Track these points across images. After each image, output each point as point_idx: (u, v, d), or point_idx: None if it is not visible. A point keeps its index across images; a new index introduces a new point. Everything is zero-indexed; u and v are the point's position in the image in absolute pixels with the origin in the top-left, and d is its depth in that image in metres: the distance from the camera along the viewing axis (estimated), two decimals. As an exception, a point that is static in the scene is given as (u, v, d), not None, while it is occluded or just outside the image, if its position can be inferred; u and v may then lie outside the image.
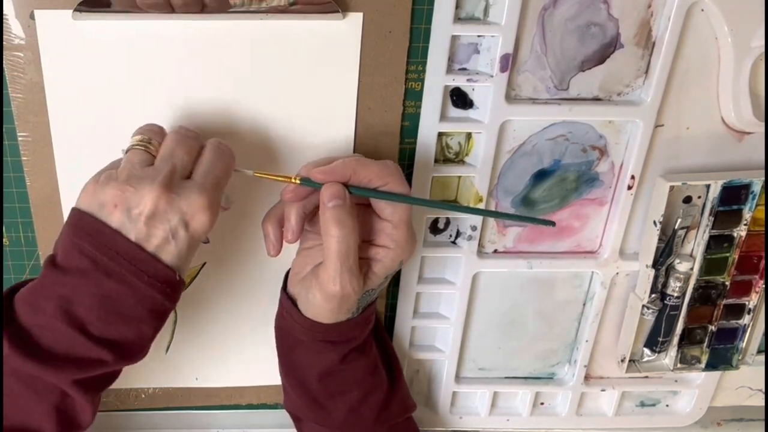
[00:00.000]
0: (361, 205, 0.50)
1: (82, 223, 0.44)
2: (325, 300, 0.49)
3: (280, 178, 0.49)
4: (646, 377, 0.66)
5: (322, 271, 0.48)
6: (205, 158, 0.47)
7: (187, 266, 0.47)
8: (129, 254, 0.44)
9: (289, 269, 0.55)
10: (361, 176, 0.48)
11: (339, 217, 0.47)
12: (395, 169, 0.49)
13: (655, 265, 0.58)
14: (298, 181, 0.48)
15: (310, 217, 0.51)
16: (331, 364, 0.53)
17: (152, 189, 0.43)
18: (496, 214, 0.57)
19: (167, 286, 0.45)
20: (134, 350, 0.47)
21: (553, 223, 0.51)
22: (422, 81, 0.53)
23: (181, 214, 0.44)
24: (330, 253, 0.47)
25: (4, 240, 0.56)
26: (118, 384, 0.62)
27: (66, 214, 0.55)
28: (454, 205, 0.56)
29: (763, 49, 0.52)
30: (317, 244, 0.52)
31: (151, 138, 0.47)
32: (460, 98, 0.54)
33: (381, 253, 0.50)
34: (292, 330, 0.53)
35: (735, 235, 0.58)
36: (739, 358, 0.63)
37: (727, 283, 0.60)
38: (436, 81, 0.52)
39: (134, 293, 0.44)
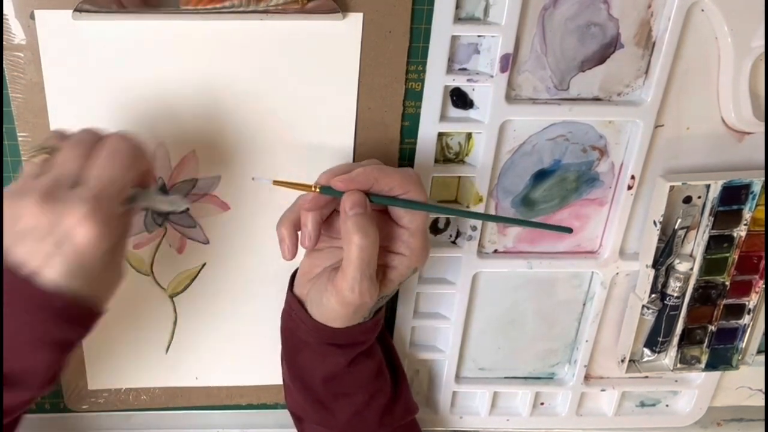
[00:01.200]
0: (377, 211, 0.49)
1: None
2: (341, 306, 0.48)
3: (299, 187, 0.48)
4: (646, 377, 0.66)
5: (340, 278, 0.47)
6: (94, 161, 0.42)
7: (88, 285, 0.41)
8: (6, 278, 0.40)
9: (296, 270, 0.54)
10: (383, 185, 0.47)
11: (361, 225, 0.46)
12: (416, 178, 0.48)
13: (655, 265, 0.58)
14: (317, 190, 0.48)
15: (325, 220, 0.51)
16: (337, 368, 0.53)
17: (29, 203, 0.39)
18: (519, 222, 0.56)
19: (49, 311, 0.40)
20: (23, 382, 0.42)
21: (570, 230, 0.51)
22: (422, 81, 0.53)
23: (62, 227, 0.39)
24: (350, 261, 0.46)
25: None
26: (118, 384, 0.63)
27: (66, 214, 0.55)
28: (477, 212, 0.55)
29: (763, 49, 0.52)
30: (327, 246, 0.52)
31: (51, 145, 0.43)
32: (460, 98, 0.54)
33: (396, 260, 0.50)
34: (299, 331, 0.53)
35: (735, 235, 0.58)
36: (739, 358, 0.63)
37: (727, 283, 0.60)
38: (436, 81, 0.52)
39: (14, 320, 0.40)
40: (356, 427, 0.56)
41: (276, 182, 0.48)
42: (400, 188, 0.48)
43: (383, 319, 0.56)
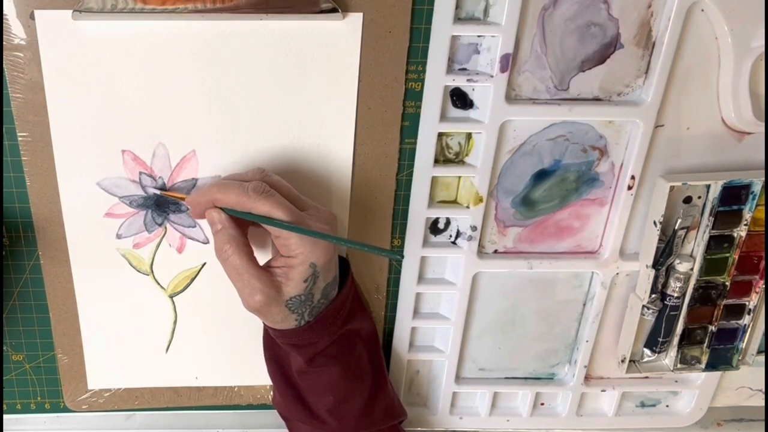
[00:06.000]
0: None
1: None
2: (251, 312, 0.51)
3: (177, 198, 0.54)
4: (647, 377, 0.66)
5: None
6: None
7: None
8: None
9: None
10: (222, 203, 0.49)
11: (218, 242, 0.50)
12: (254, 195, 0.48)
13: (656, 265, 0.58)
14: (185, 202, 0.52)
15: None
16: (300, 366, 0.55)
17: None
18: (349, 243, 0.53)
19: None
20: None
21: (401, 256, 0.51)
22: (422, 81, 0.53)
23: None
24: (227, 275, 0.50)
25: (4, 240, 0.56)
26: (118, 383, 0.63)
27: (66, 213, 0.55)
28: (300, 228, 0.49)
29: (763, 49, 0.52)
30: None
31: None
32: (460, 98, 0.54)
33: (288, 261, 0.50)
34: (267, 331, 0.56)
35: (735, 235, 0.58)
36: (739, 358, 0.63)
37: (727, 283, 0.59)
38: (436, 81, 0.52)
39: None
40: (335, 426, 0.57)
41: (163, 193, 0.55)
42: (239, 207, 0.49)
43: (350, 323, 0.56)
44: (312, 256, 0.49)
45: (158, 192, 0.55)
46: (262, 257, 0.53)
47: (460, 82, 0.52)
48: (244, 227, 0.52)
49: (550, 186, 0.58)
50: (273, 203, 0.48)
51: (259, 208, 0.48)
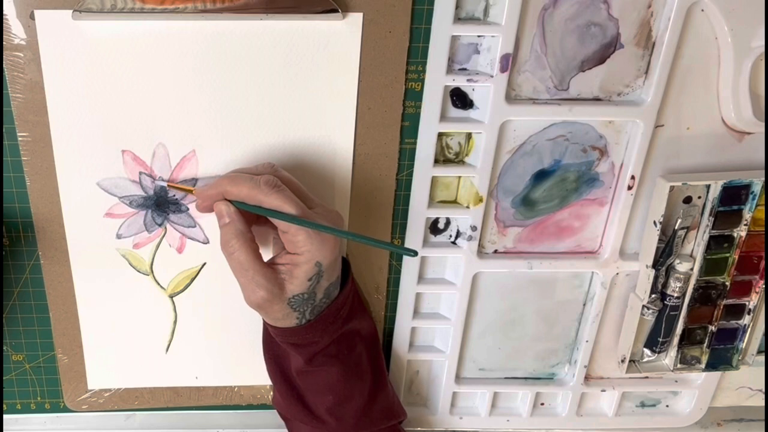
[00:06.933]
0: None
1: None
2: (253, 309, 0.51)
3: (185, 190, 0.54)
4: (646, 377, 0.66)
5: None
6: None
7: None
8: None
9: None
10: (233, 195, 0.49)
11: (225, 236, 0.49)
12: (266, 188, 0.48)
13: (655, 265, 0.58)
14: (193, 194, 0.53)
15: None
16: (300, 365, 0.55)
17: None
18: (360, 238, 0.51)
19: None
20: None
21: (415, 252, 0.49)
22: (422, 81, 0.53)
23: None
24: (231, 269, 0.50)
25: (4, 240, 0.56)
26: (118, 383, 0.63)
27: (65, 213, 0.55)
28: (309, 222, 0.49)
29: (763, 49, 0.52)
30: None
31: None
32: (460, 98, 0.54)
33: (293, 258, 0.50)
34: (267, 331, 0.56)
35: (735, 235, 0.58)
36: (739, 358, 0.63)
37: (727, 283, 0.59)
38: (436, 81, 0.52)
39: None
40: (335, 426, 0.57)
41: (169, 185, 0.54)
42: (249, 200, 0.49)
43: (350, 322, 0.56)
44: (318, 254, 0.49)
45: (165, 184, 0.54)
46: (263, 255, 0.53)
47: (460, 82, 0.52)
48: (248, 223, 0.52)
49: (550, 186, 0.58)
50: (285, 198, 0.48)
51: (271, 202, 0.48)
